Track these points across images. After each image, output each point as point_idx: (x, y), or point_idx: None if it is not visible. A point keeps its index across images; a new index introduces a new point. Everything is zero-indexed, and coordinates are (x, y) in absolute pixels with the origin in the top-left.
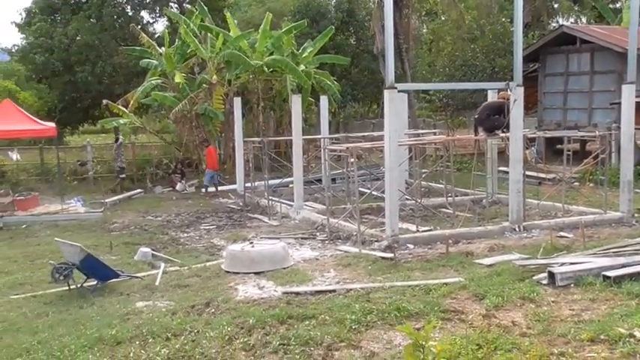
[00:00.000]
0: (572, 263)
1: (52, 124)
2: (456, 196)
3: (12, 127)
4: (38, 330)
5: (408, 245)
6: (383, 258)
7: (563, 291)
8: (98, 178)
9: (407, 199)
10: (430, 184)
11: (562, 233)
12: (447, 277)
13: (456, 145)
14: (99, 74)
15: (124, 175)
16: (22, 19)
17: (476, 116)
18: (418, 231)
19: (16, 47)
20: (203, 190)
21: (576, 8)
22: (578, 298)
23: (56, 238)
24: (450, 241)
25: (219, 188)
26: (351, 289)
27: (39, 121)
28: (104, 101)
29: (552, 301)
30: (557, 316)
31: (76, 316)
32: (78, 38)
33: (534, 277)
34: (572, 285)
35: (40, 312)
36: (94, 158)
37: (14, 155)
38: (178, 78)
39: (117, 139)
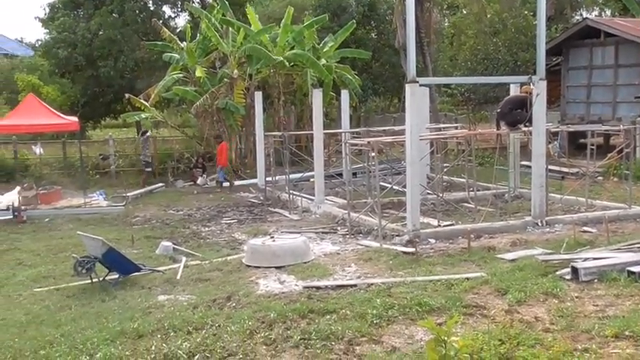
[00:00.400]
0: (595, 258)
1: (75, 119)
2: (478, 190)
3: (35, 122)
4: (61, 323)
5: (430, 240)
6: (404, 253)
7: (586, 286)
8: (120, 172)
9: (428, 193)
10: (452, 178)
11: (585, 228)
12: (468, 272)
13: (478, 139)
14: (121, 69)
15: (150, 169)
16: (45, 14)
17: (498, 110)
18: (440, 225)
19: (40, 42)
20: (220, 186)
21: (600, 1)
22: (602, 293)
23: (79, 232)
24: (472, 236)
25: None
26: (372, 284)
27: (62, 115)
28: (126, 95)
29: (576, 297)
30: (581, 312)
31: (99, 309)
32: (100, 33)
33: (557, 273)
34: (595, 280)
35: (62, 305)
36: (116, 152)
37: (38, 149)
38: (199, 72)
39: (144, 132)
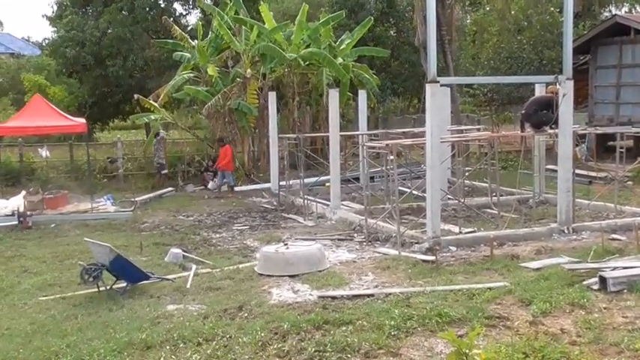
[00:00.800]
0: (625, 268)
1: (83, 120)
2: (501, 195)
3: (42, 123)
4: (67, 333)
5: (451, 247)
6: (424, 261)
7: (615, 297)
8: (128, 176)
9: (449, 198)
10: (474, 182)
11: (614, 235)
12: (491, 281)
13: (502, 141)
14: (130, 68)
15: (165, 171)
16: (53, 12)
17: (523, 111)
18: (461, 232)
19: (47, 41)
20: (231, 190)
21: None
22: (632, 304)
23: (85, 238)
24: (495, 244)
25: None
26: (390, 294)
27: (69, 116)
28: (135, 96)
29: (604, 308)
30: (609, 324)
31: (106, 319)
32: (109, 31)
33: (584, 282)
34: (625, 291)
35: (69, 314)
36: (124, 155)
37: (44, 152)
38: (211, 71)
39: (157, 134)
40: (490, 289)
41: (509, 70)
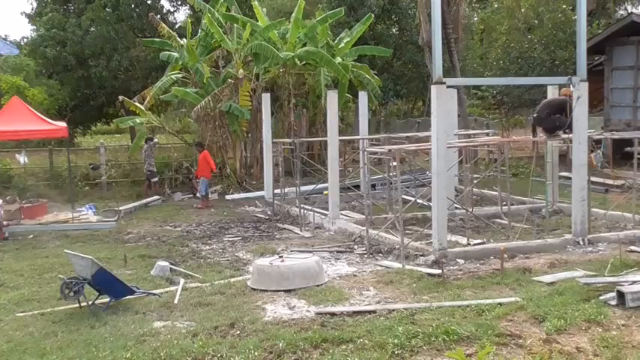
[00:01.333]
0: None
1: (63, 124)
2: (512, 204)
3: (20, 128)
4: (46, 352)
5: (458, 260)
6: (429, 275)
7: (634, 313)
8: (112, 184)
9: (456, 208)
10: (483, 191)
11: (633, 247)
12: (501, 296)
13: (512, 147)
14: (114, 69)
15: (156, 179)
16: (32, 9)
17: (534, 115)
18: (469, 244)
19: (26, 40)
20: (196, 204)
21: None
22: None
23: (66, 250)
24: (506, 256)
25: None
26: (393, 310)
27: (49, 120)
28: (120, 98)
29: (622, 325)
30: (628, 342)
31: (88, 336)
32: (92, 29)
33: (601, 297)
34: None
35: (48, 331)
36: (107, 161)
37: (22, 158)
38: (205, 70)
39: (149, 139)
40: (501, 304)
41: (520, 71)
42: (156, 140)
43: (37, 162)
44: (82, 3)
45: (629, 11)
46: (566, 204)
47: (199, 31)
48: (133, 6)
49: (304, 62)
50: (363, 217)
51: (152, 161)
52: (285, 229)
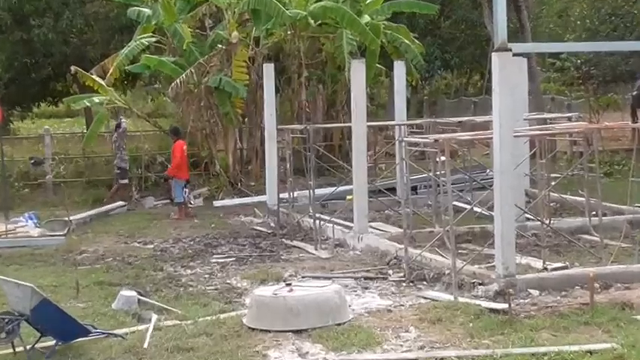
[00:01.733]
0: None
1: None
2: (605, 215)
3: None
4: None
5: (531, 291)
6: (491, 310)
7: None
8: (60, 185)
9: (528, 219)
10: (563, 196)
11: None
12: (592, 341)
13: (604, 136)
14: (64, 30)
15: (126, 180)
16: None
17: (634, 93)
18: (546, 269)
19: None
20: (172, 213)
21: None
22: None
23: None
24: (597, 286)
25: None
26: (442, 358)
27: None
28: (72, 69)
29: None
30: None
31: None
32: None
33: None
34: None
35: None
36: (54, 154)
37: None
38: (187, 34)
39: (118, 125)
40: (591, 352)
41: (614, 33)
42: (124, 126)
43: None
44: None
45: None
46: None
47: None
48: None
49: (320, 22)
50: (401, 231)
51: (124, 155)
52: (294, 247)
